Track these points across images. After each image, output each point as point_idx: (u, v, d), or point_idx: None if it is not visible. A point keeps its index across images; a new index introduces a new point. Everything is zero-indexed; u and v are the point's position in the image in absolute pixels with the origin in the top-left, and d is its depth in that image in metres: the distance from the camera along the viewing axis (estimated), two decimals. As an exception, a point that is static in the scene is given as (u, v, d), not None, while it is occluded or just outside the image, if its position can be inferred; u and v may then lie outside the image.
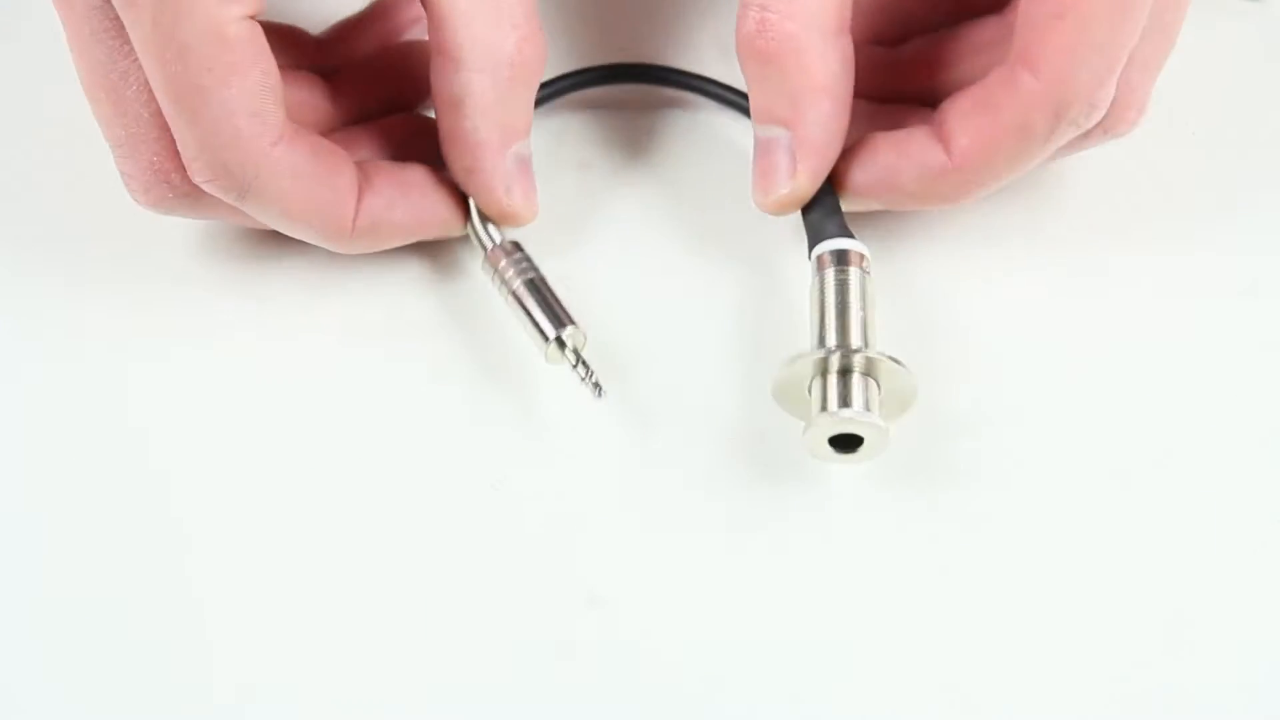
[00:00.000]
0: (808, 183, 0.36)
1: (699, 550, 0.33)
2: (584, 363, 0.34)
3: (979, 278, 0.38)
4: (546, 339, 0.34)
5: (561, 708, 0.31)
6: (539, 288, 0.35)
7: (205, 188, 0.34)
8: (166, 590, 0.33)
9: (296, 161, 0.34)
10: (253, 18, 0.32)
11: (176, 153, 0.34)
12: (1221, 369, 0.36)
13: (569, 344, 0.34)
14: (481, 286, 0.37)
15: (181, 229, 0.39)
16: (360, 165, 0.36)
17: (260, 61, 0.33)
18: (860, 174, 0.36)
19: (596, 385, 0.34)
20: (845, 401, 0.32)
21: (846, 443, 0.33)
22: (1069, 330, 0.37)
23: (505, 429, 0.35)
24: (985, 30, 0.38)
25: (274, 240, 0.37)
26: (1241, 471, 0.34)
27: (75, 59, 0.35)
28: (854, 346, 0.33)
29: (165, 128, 0.34)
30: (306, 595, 0.33)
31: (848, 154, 0.36)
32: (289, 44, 0.39)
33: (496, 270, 0.36)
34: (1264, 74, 0.42)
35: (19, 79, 0.42)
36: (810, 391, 0.33)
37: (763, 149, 0.36)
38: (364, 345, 0.37)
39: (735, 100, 0.40)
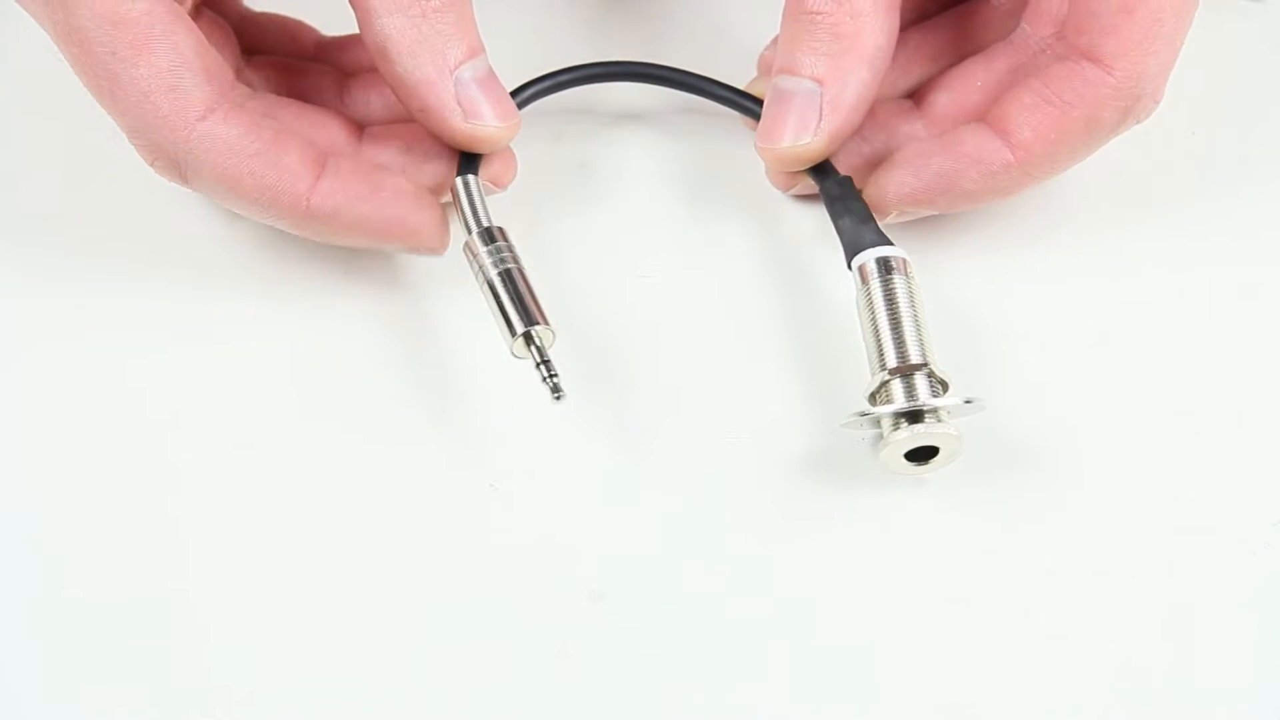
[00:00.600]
0: (827, 141, 0.36)
1: (699, 549, 0.33)
2: (546, 363, 0.33)
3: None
4: (513, 334, 0.33)
5: (561, 707, 0.31)
6: (514, 280, 0.34)
7: (157, 172, 0.34)
8: (166, 585, 0.33)
9: (230, 135, 0.33)
10: None
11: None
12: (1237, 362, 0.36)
13: (535, 341, 0.33)
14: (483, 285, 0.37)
15: (188, 221, 0.39)
16: (336, 156, 0.35)
17: (169, 37, 0.33)
18: (914, 180, 0.36)
19: (556, 387, 0.33)
20: (917, 416, 0.32)
21: (922, 455, 0.33)
22: (1087, 327, 0.37)
23: (505, 428, 0.35)
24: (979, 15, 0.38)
25: (277, 233, 0.37)
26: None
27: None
28: (915, 361, 0.33)
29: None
30: (306, 595, 0.33)
31: (896, 163, 0.36)
32: (285, 39, 0.39)
33: (475, 257, 0.35)
34: (1266, 73, 0.42)
35: (24, 66, 0.42)
36: (875, 406, 0.33)
37: (784, 99, 0.36)
38: (364, 344, 0.37)
39: (735, 99, 0.40)
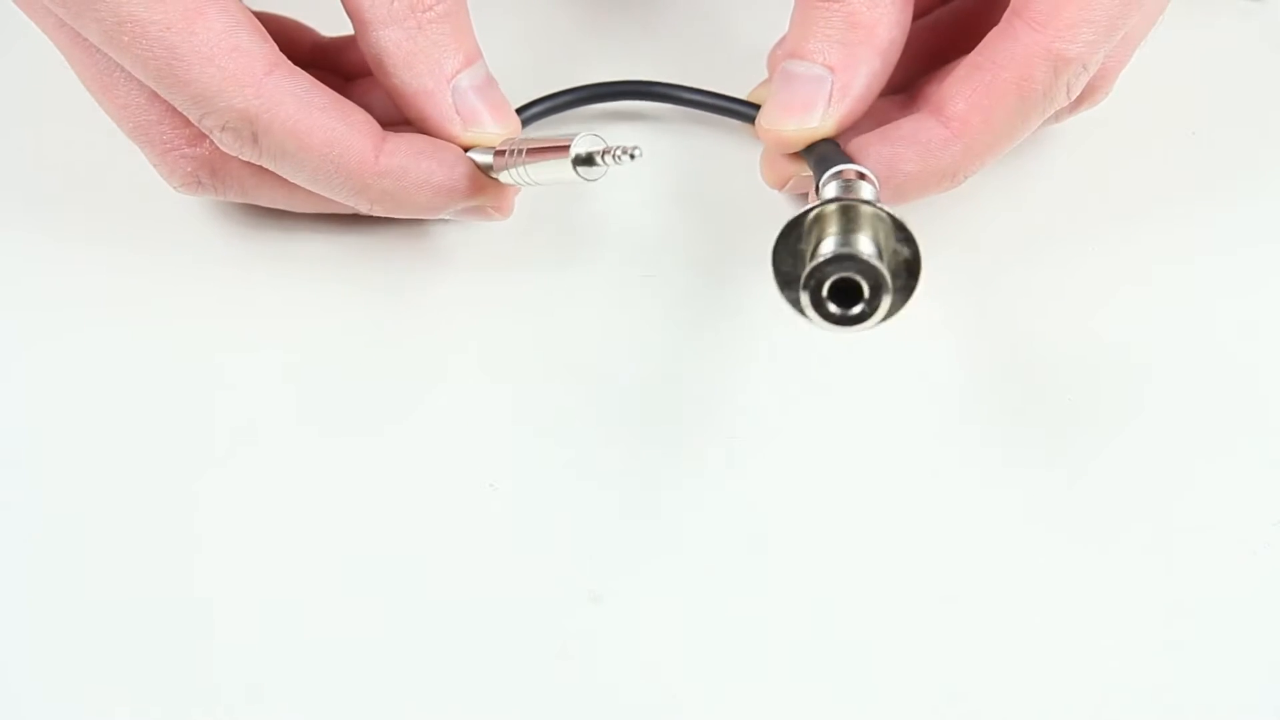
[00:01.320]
0: (835, 124, 0.35)
1: (700, 549, 0.33)
2: (609, 153, 0.33)
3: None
4: (574, 164, 0.33)
5: (561, 708, 0.31)
6: (538, 145, 0.34)
7: (223, 145, 0.34)
8: (164, 586, 0.33)
9: (298, 87, 0.34)
10: None
11: (185, 124, 0.34)
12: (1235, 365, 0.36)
13: (588, 151, 0.33)
14: (483, 282, 0.37)
15: (193, 216, 0.39)
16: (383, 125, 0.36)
17: (217, 2, 0.33)
18: None
19: (628, 153, 0.32)
20: (848, 240, 0.29)
21: (845, 296, 0.29)
22: (1086, 326, 0.37)
23: (504, 428, 0.35)
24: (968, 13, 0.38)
25: (283, 227, 0.37)
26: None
27: (71, 67, 0.35)
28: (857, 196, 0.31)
29: (165, 105, 0.34)
30: (305, 595, 0.33)
31: None
32: (281, 40, 0.39)
33: (508, 168, 0.35)
34: (1265, 74, 0.42)
35: (31, 67, 0.42)
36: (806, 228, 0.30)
37: (792, 82, 0.35)
38: (363, 344, 0.37)
39: (736, 109, 0.39)
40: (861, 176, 0.32)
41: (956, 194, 0.36)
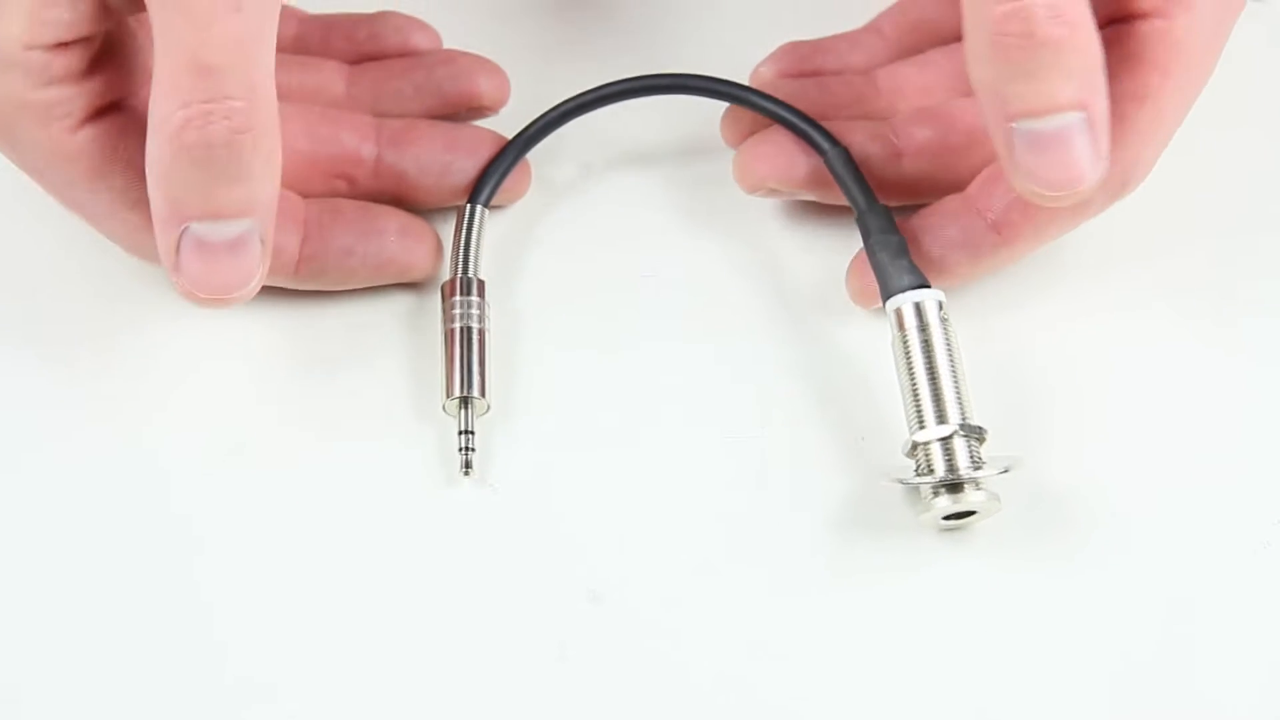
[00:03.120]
0: (1107, 163, 0.32)
1: (700, 549, 0.33)
2: (469, 434, 0.34)
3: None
4: (449, 394, 0.34)
5: (561, 708, 0.31)
6: (470, 341, 0.35)
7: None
8: (166, 591, 0.33)
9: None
10: (95, 115, 0.32)
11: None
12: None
13: (469, 409, 0.34)
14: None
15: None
16: (318, 205, 0.36)
17: (120, 156, 0.32)
18: None
19: (468, 464, 0.34)
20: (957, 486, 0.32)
21: (959, 514, 0.33)
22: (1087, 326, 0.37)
23: (504, 428, 0.35)
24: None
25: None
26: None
27: None
28: (953, 422, 0.32)
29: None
30: (304, 595, 0.33)
31: None
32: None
33: (444, 300, 0.35)
34: (1268, 73, 0.42)
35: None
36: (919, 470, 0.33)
37: (1044, 142, 0.31)
38: (361, 342, 0.37)
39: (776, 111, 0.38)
40: (922, 315, 0.34)
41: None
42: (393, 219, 0.37)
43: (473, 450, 0.34)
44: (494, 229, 0.38)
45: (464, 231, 0.36)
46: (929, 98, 0.38)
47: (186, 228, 0.30)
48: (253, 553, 0.33)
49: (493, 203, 0.37)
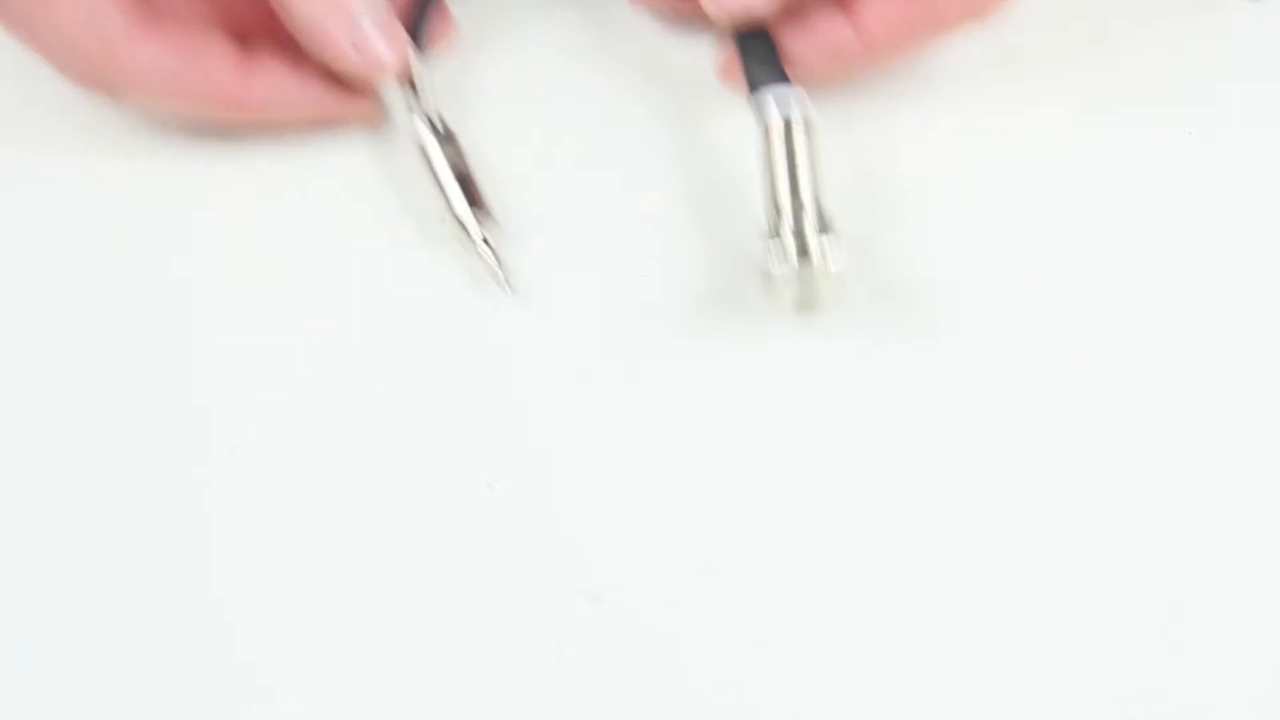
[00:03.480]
0: (778, 6, 0.37)
1: (700, 548, 0.33)
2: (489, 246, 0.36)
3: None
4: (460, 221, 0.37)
5: (561, 708, 0.31)
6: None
7: (89, 93, 0.36)
8: (167, 591, 0.33)
9: (154, 56, 0.35)
10: None
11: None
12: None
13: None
14: (482, 282, 0.37)
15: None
16: (251, 43, 0.37)
17: None
18: None
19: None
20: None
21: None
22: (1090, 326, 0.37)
23: (504, 428, 0.35)
24: None
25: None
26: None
27: None
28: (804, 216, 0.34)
29: None
30: (303, 595, 0.33)
31: None
32: None
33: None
34: (1266, 74, 0.42)
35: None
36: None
37: None
38: (362, 342, 0.37)
39: None
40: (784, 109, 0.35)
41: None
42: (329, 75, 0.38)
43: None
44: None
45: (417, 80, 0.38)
46: None
47: (352, 15, 0.36)
48: (247, 550, 0.33)
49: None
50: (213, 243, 0.38)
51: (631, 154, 0.40)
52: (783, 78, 0.36)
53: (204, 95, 0.37)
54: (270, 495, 0.34)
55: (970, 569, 0.33)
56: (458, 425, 0.35)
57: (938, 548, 0.33)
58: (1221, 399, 0.34)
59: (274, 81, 0.37)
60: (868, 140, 0.39)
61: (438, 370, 0.36)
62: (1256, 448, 0.34)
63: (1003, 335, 0.36)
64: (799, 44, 0.37)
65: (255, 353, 0.36)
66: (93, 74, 0.35)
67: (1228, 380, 0.35)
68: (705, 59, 0.40)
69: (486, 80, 0.41)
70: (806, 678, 0.31)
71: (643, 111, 0.41)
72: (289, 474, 0.34)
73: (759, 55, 0.37)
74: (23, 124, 0.40)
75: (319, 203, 0.39)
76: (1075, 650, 0.32)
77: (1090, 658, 0.32)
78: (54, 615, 0.32)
